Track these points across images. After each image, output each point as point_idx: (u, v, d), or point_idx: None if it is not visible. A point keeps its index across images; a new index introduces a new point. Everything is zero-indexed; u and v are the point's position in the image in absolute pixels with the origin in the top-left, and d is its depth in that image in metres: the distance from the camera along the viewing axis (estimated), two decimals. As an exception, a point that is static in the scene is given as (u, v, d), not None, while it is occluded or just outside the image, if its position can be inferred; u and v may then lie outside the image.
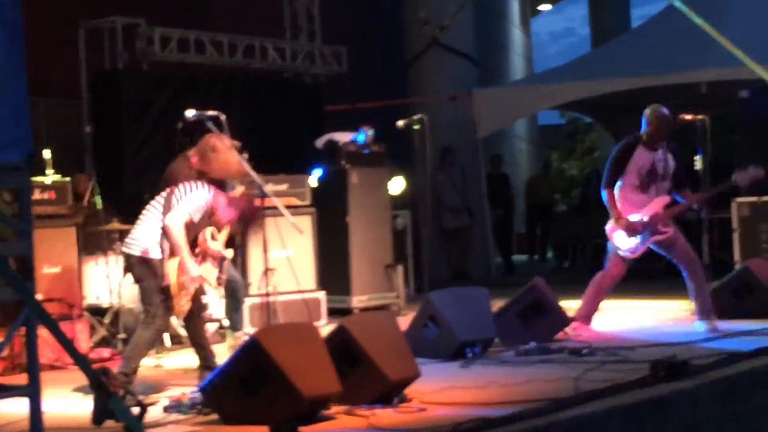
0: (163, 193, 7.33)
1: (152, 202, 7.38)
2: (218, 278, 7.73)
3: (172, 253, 7.13)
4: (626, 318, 10.37)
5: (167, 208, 7.17)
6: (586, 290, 9.44)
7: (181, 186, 7.26)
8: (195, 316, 7.48)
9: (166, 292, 7.16)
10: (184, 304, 7.23)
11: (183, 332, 9.70)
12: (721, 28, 10.44)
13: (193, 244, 7.26)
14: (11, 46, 4.73)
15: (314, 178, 11.54)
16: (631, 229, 9.11)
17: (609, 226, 9.23)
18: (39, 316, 4.80)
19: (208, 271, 7.54)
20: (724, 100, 13.41)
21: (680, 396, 6.42)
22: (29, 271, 4.84)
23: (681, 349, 7.77)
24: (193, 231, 7.23)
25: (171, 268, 7.14)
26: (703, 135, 10.80)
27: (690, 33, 11.76)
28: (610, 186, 9.17)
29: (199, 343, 7.51)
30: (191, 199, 7.17)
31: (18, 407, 5.08)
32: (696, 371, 6.82)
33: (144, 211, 7.39)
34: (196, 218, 7.19)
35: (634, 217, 9.10)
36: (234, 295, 8.86)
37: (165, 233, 7.12)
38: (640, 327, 9.66)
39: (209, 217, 7.32)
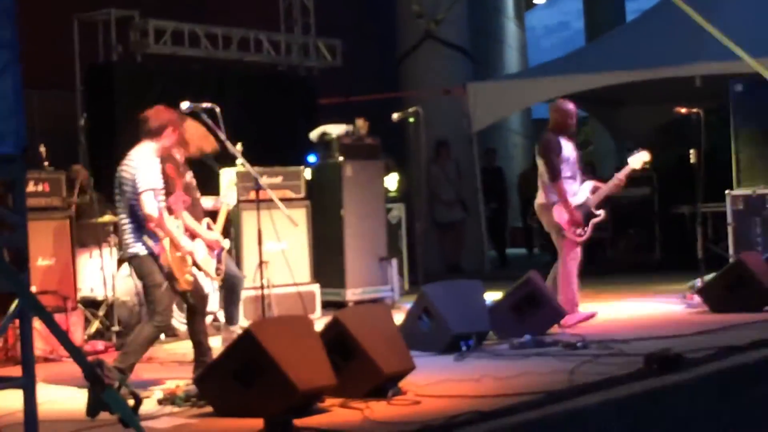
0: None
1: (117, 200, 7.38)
2: (217, 269, 7.73)
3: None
4: (620, 311, 10.38)
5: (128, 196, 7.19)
6: (559, 284, 9.48)
7: (123, 170, 7.24)
8: (198, 314, 7.49)
9: (167, 273, 7.16)
10: (187, 278, 7.22)
11: (178, 325, 9.73)
12: (715, 21, 10.46)
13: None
14: (5, 38, 4.72)
15: (308, 164, 11.54)
16: (578, 220, 9.41)
17: (557, 214, 9.42)
18: (33, 309, 4.80)
19: (207, 263, 7.54)
20: (719, 93, 13.40)
21: (674, 389, 6.43)
22: (23, 264, 4.83)
23: (675, 342, 7.78)
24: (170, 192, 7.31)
25: (165, 247, 7.14)
26: (697, 128, 10.82)
27: (684, 26, 11.78)
28: (560, 178, 9.39)
29: (198, 339, 7.51)
30: (143, 174, 7.15)
31: (12, 399, 5.08)
32: (690, 364, 6.83)
33: (119, 212, 7.38)
34: (160, 184, 7.21)
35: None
36: (233, 290, 8.86)
37: (149, 221, 7.12)
38: (634, 320, 9.67)
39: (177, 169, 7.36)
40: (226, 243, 7.89)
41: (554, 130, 9.58)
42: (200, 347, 7.49)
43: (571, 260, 9.48)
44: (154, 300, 7.21)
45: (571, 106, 9.70)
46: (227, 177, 9.39)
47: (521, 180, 19.51)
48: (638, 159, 9.88)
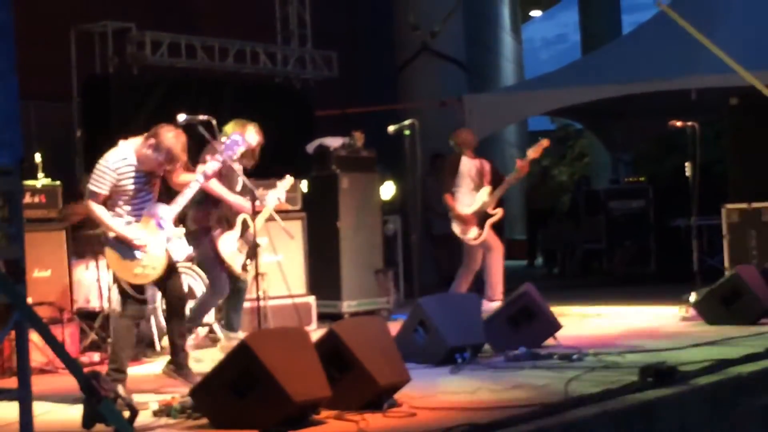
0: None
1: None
2: (243, 265, 7.74)
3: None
4: (615, 323, 10.39)
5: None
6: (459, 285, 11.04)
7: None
8: (173, 314, 7.56)
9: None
10: (136, 271, 7.32)
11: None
12: (710, 35, 10.50)
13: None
14: (1, 49, 4.73)
15: (303, 185, 11.56)
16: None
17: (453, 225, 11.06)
18: (30, 320, 4.81)
19: (234, 257, 7.52)
20: (714, 106, 13.45)
21: (668, 402, 6.43)
22: (20, 275, 4.84)
23: (669, 355, 7.79)
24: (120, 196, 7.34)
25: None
26: (692, 141, 10.84)
27: (680, 40, 11.82)
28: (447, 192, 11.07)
29: (173, 340, 7.58)
30: (97, 179, 7.28)
31: (8, 411, 5.08)
32: (684, 377, 6.84)
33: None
34: (105, 190, 7.29)
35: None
36: (238, 295, 8.88)
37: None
38: (629, 332, 9.68)
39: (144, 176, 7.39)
40: (263, 241, 7.97)
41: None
42: (174, 347, 7.56)
43: (471, 263, 11.02)
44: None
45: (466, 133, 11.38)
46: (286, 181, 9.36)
47: (528, 192, 19.56)
48: (536, 147, 10.89)
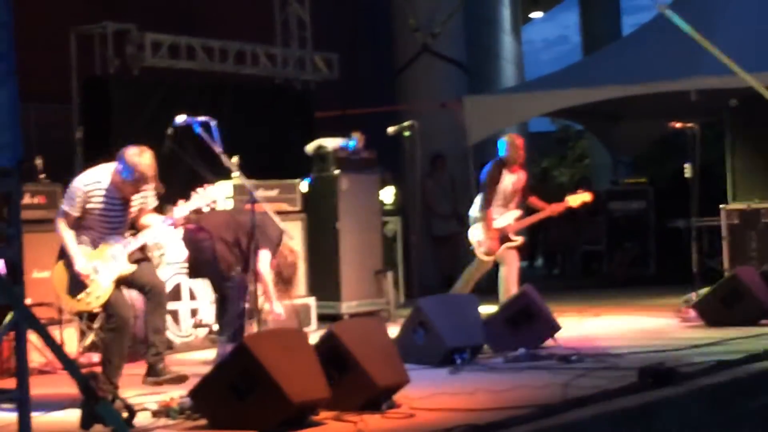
0: None
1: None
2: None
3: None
4: (615, 324, 10.40)
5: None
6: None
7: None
8: (156, 308, 7.66)
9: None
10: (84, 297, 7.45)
11: (173, 338, 9.74)
12: (710, 37, 10.49)
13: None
14: (2, 51, 4.74)
15: (303, 185, 11.57)
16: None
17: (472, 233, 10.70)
18: (28, 321, 4.81)
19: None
20: (714, 108, 13.46)
21: (667, 403, 6.44)
22: (18, 276, 4.85)
23: (669, 356, 7.80)
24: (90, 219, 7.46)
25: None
26: (692, 143, 10.85)
27: (680, 41, 11.79)
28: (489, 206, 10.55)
29: (149, 338, 7.72)
30: (68, 198, 7.45)
31: (7, 412, 5.08)
32: (683, 378, 6.84)
33: None
34: (75, 211, 7.40)
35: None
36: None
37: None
38: (628, 333, 9.68)
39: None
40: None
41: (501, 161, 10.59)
42: (148, 344, 7.72)
43: (476, 272, 10.74)
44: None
45: (520, 141, 10.75)
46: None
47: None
48: (578, 198, 10.69)
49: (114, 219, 7.52)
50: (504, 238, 10.48)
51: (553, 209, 10.61)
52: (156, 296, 7.72)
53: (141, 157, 7.48)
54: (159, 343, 7.78)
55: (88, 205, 7.41)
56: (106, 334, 7.57)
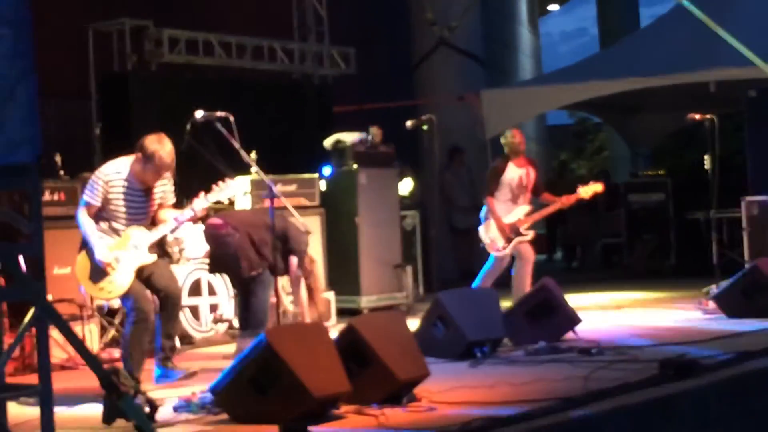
0: None
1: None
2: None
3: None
4: (635, 317, 10.37)
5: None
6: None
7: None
8: (170, 314, 7.69)
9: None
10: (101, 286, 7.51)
11: (194, 333, 9.77)
12: (729, 27, 10.46)
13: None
14: (21, 47, 4.75)
15: (323, 176, 11.58)
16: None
17: (482, 230, 10.55)
18: (50, 317, 4.83)
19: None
20: (733, 99, 13.39)
21: (689, 395, 6.42)
22: (40, 272, 4.87)
23: (690, 348, 7.78)
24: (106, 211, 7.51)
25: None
26: (711, 134, 10.81)
27: (698, 32, 11.77)
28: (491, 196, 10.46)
29: (162, 343, 7.71)
30: (89, 189, 7.50)
31: (29, 407, 5.11)
32: (704, 370, 6.83)
33: None
34: (96, 201, 7.48)
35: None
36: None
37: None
38: (649, 326, 9.66)
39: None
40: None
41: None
42: (169, 342, 7.72)
43: (493, 270, 10.50)
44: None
45: (518, 133, 10.78)
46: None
47: (547, 186, 19.48)
48: (590, 189, 10.48)
49: (135, 210, 7.56)
50: (515, 233, 10.37)
51: (564, 201, 10.53)
52: (171, 303, 7.70)
53: (160, 144, 7.53)
54: (168, 348, 7.77)
55: (109, 196, 7.45)
56: (127, 328, 7.59)
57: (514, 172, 10.45)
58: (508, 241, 10.37)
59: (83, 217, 7.47)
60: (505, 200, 10.43)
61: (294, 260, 8.68)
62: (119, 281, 7.48)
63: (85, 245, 7.52)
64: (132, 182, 7.53)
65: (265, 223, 8.62)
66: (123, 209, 7.51)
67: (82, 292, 8.20)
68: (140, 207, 7.58)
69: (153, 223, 7.80)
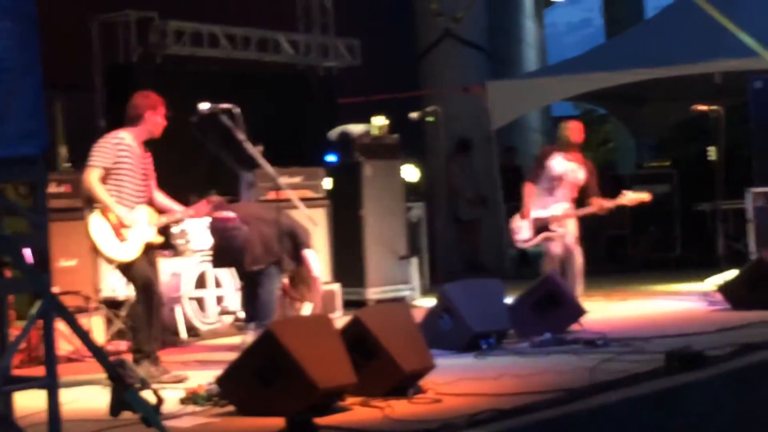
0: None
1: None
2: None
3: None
4: (641, 308, 10.37)
5: None
6: None
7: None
8: (139, 300, 7.66)
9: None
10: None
11: (199, 325, 9.78)
12: (734, 18, 10.44)
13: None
14: (26, 40, 4.75)
15: (328, 164, 11.58)
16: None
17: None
18: (56, 309, 4.83)
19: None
20: (738, 90, 13.37)
21: (695, 386, 6.42)
22: (46, 264, 4.87)
23: (695, 339, 7.77)
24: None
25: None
26: (716, 125, 10.80)
27: (703, 23, 11.76)
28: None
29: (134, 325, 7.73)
30: (97, 154, 7.58)
31: (36, 399, 5.12)
32: (710, 362, 6.82)
33: None
34: (108, 162, 7.55)
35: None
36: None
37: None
38: (654, 317, 9.66)
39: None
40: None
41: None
42: (135, 335, 7.67)
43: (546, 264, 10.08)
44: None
45: (575, 124, 10.33)
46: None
47: None
48: (636, 197, 10.22)
49: (140, 180, 7.66)
50: (542, 228, 10.08)
51: (602, 206, 10.19)
52: (152, 292, 7.72)
53: (144, 94, 7.82)
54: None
55: (118, 160, 7.50)
56: (138, 307, 7.61)
57: (560, 165, 10.11)
58: (536, 233, 10.11)
59: (97, 182, 7.48)
60: (541, 190, 10.14)
61: (309, 254, 8.70)
62: (130, 248, 7.52)
63: (89, 206, 7.55)
64: (133, 147, 7.65)
65: (274, 218, 8.63)
66: (130, 177, 7.58)
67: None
68: (143, 176, 7.69)
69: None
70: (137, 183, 7.65)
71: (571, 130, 10.21)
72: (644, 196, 10.22)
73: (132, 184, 7.62)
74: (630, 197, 10.20)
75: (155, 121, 7.77)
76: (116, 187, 7.56)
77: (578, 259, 10.12)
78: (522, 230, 10.16)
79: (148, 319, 7.57)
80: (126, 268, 7.62)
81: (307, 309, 8.93)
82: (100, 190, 7.48)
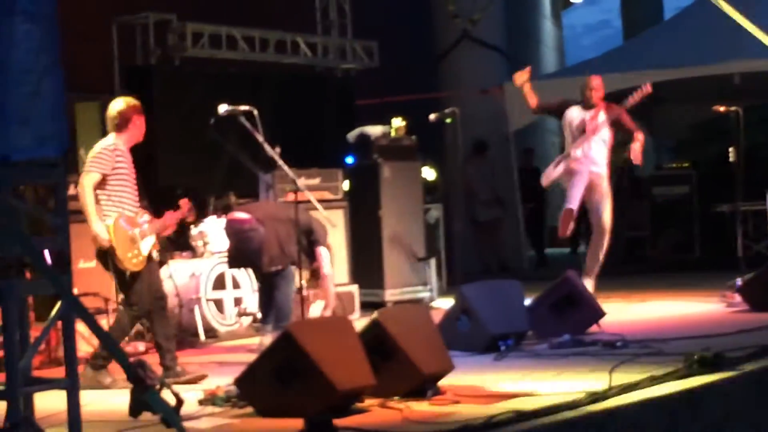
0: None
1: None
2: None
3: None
4: (659, 310, 10.34)
5: None
6: None
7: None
8: (158, 312, 7.64)
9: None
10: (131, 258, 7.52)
11: (218, 326, 9.79)
12: (753, 19, 10.40)
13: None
14: (47, 42, 4.77)
15: (346, 165, 11.59)
16: None
17: None
18: (76, 310, 4.85)
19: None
20: (758, 91, 13.34)
21: (714, 389, 6.40)
22: (66, 266, 4.89)
23: (715, 341, 7.74)
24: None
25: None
26: (736, 126, 10.77)
27: (723, 24, 11.71)
28: None
29: (158, 342, 7.66)
30: (97, 161, 7.54)
31: (56, 400, 5.14)
32: (730, 364, 6.79)
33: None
34: (107, 169, 7.51)
35: None
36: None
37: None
38: (673, 319, 9.63)
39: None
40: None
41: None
42: (161, 351, 7.62)
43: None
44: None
45: (593, 80, 10.56)
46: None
47: None
48: (638, 93, 10.27)
49: (134, 185, 7.70)
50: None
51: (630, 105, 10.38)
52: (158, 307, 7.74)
53: (127, 99, 7.81)
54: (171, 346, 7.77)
55: (116, 166, 7.54)
56: (129, 312, 7.65)
57: (577, 113, 10.38)
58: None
59: (90, 188, 7.48)
60: (567, 144, 10.40)
61: (320, 251, 8.72)
62: (142, 254, 7.58)
63: (120, 217, 7.58)
64: (126, 153, 7.68)
65: (290, 217, 8.64)
66: (127, 182, 7.61)
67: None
68: (135, 181, 7.71)
69: None
70: (134, 189, 7.68)
71: (591, 86, 10.49)
72: (645, 89, 10.34)
73: (131, 191, 7.64)
74: (634, 96, 10.31)
75: (141, 125, 7.78)
76: (118, 194, 7.55)
77: (606, 233, 10.36)
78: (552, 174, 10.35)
79: (164, 329, 7.60)
80: (134, 277, 7.61)
81: (318, 306, 8.94)
82: (89, 200, 7.46)
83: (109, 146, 7.58)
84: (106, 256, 7.54)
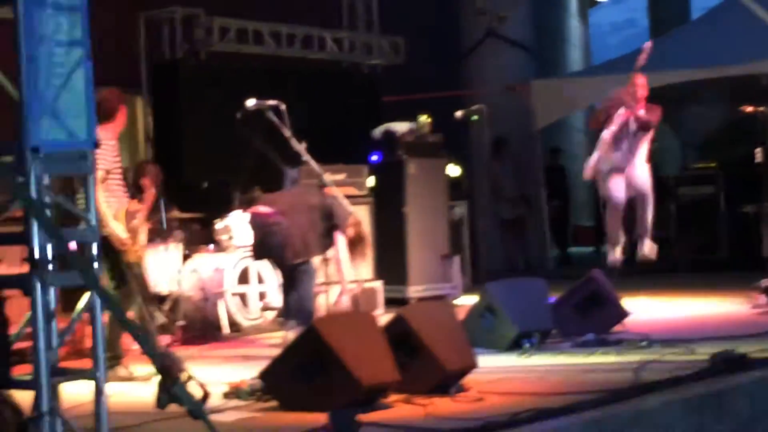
0: None
1: None
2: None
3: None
4: (685, 310, 10.31)
5: None
6: None
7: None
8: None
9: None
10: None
11: (241, 320, 9.83)
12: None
13: None
14: (77, 36, 4.80)
15: (371, 163, 11.60)
16: None
17: None
18: (104, 302, 4.88)
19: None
20: (786, 92, 13.27)
21: (739, 389, 6.38)
22: (95, 258, 4.92)
23: (740, 342, 7.71)
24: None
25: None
26: (763, 127, 10.72)
27: (750, 24, 11.69)
28: None
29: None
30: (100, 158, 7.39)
31: (83, 390, 5.17)
32: (755, 365, 6.77)
33: None
34: (108, 165, 7.55)
35: None
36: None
37: None
38: (698, 319, 9.60)
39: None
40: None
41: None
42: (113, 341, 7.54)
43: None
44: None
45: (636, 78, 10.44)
46: None
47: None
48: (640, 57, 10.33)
49: (121, 174, 7.78)
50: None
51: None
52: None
53: (111, 90, 7.88)
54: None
55: (114, 159, 7.63)
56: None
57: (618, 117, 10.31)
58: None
59: (99, 187, 7.46)
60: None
61: (338, 236, 8.72)
62: (143, 244, 7.75)
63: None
64: (115, 144, 7.74)
65: (310, 203, 8.68)
66: (120, 174, 7.70)
67: None
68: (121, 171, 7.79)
69: None
70: (122, 179, 7.77)
71: (633, 84, 10.43)
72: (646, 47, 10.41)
73: (121, 182, 7.73)
74: (639, 59, 10.39)
75: (126, 114, 7.86)
76: (118, 187, 7.61)
77: (648, 196, 10.42)
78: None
79: (148, 318, 7.69)
80: (130, 267, 7.65)
81: (334, 293, 8.92)
82: (100, 198, 7.28)
83: (108, 140, 7.58)
84: (107, 249, 7.55)
